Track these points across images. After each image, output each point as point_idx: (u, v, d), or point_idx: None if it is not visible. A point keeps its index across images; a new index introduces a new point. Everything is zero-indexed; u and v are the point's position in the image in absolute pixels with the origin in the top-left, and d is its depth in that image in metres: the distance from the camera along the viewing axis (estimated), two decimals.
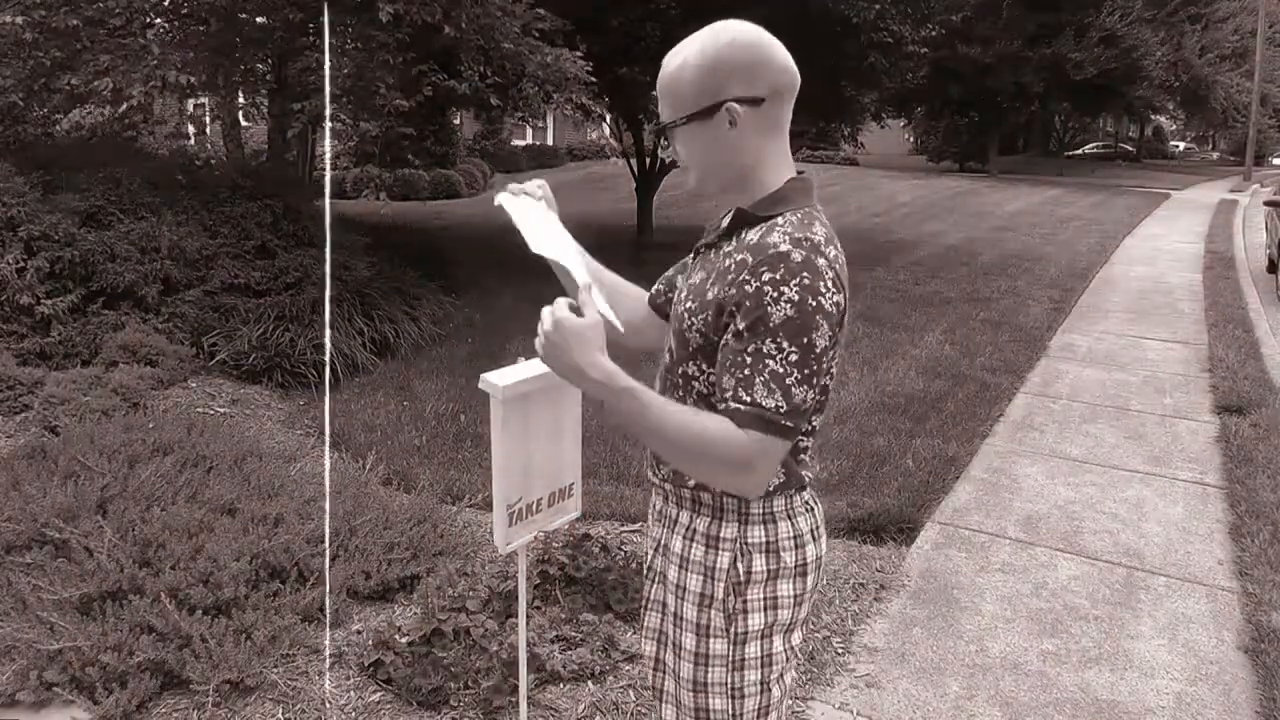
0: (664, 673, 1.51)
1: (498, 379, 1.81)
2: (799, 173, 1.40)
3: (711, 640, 1.40)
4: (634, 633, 2.92)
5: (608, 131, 10.27)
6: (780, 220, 1.32)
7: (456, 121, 21.06)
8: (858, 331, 7.39)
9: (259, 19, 7.21)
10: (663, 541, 1.49)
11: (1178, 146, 53.32)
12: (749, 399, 1.24)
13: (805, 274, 1.24)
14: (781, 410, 1.24)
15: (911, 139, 39.18)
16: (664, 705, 1.52)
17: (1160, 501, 4.23)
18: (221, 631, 2.65)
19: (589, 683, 2.67)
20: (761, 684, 1.42)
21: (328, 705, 2.55)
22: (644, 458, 1.50)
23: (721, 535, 1.40)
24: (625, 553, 3.25)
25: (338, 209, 9.81)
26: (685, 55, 1.34)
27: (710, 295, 1.33)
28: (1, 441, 4.25)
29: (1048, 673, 2.86)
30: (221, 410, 4.97)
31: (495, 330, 7.03)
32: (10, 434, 4.35)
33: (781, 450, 1.28)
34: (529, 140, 27.40)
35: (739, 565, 1.38)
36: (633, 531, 3.72)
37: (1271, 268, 10.95)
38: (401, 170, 17.54)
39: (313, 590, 2.94)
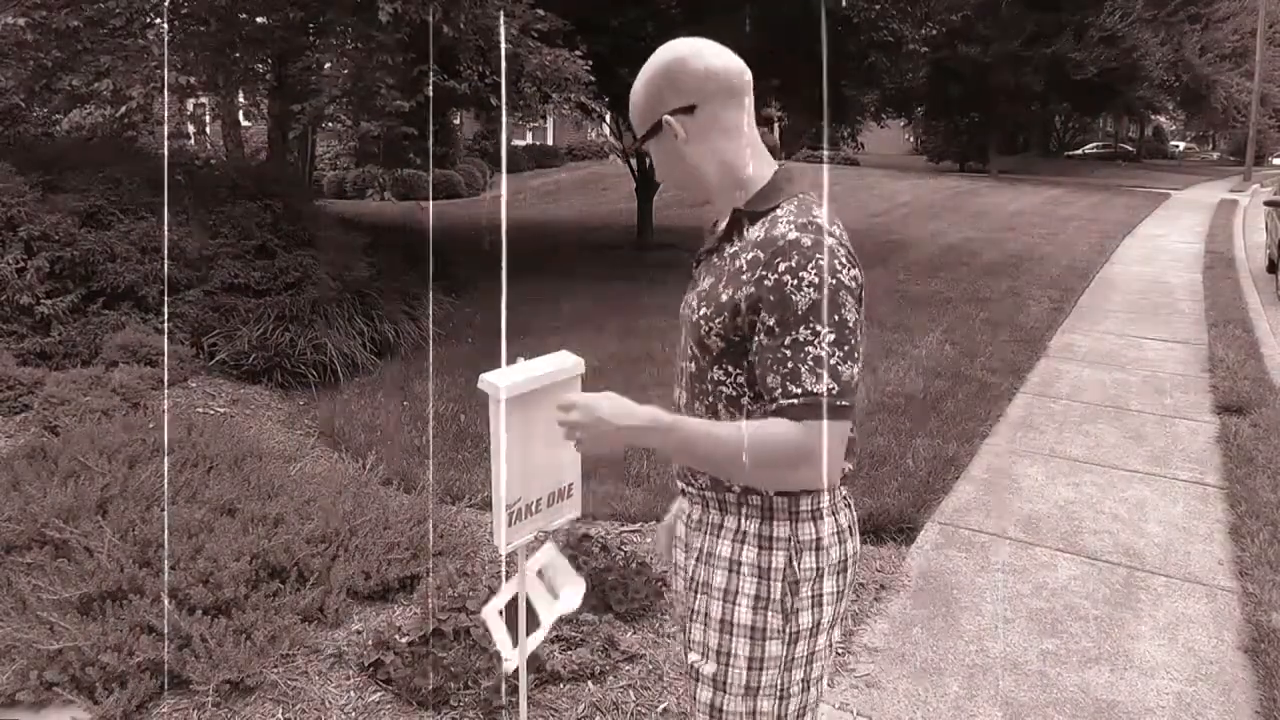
0: (706, 684, 1.45)
1: (497, 379, 1.81)
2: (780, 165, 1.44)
3: (768, 643, 1.39)
4: (634, 633, 2.92)
5: (608, 131, 10.27)
6: (780, 211, 1.34)
7: (456, 122, 21.06)
8: None
9: (259, 19, 7.22)
10: (705, 549, 1.46)
11: (1178, 146, 53.31)
12: (799, 390, 1.26)
13: (819, 255, 1.27)
14: (834, 391, 1.26)
15: (911, 139, 39.18)
16: (701, 716, 1.46)
17: (1160, 501, 4.23)
18: (221, 631, 2.65)
19: (589, 683, 2.67)
20: (804, 682, 1.42)
21: (328, 705, 2.55)
22: (670, 471, 1.50)
23: (775, 535, 1.39)
24: (625, 553, 3.25)
25: (338, 209, 9.84)
26: (636, 83, 1.43)
27: (725, 297, 1.34)
28: (1, 441, 4.25)
29: (1048, 673, 2.86)
30: (221, 410, 4.97)
31: (495, 330, 7.04)
32: (10, 434, 4.35)
33: (843, 431, 1.29)
34: (529, 140, 27.42)
35: (794, 564, 1.38)
36: (633, 532, 3.72)
37: (1271, 268, 10.94)
38: (402, 170, 17.56)
39: (313, 590, 2.94)
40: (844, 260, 1.29)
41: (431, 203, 17.89)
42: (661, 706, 2.60)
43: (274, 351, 5.47)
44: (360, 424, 4.91)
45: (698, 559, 1.48)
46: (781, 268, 1.27)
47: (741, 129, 1.41)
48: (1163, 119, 47.20)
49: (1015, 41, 26.01)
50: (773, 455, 1.27)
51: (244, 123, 10.50)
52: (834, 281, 1.27)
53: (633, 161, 12.49)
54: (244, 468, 3.71)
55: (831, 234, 1.30)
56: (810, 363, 1.26)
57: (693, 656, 1.48)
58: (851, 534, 1.45)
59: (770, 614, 1.39)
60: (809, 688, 1.43)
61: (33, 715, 2.45)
